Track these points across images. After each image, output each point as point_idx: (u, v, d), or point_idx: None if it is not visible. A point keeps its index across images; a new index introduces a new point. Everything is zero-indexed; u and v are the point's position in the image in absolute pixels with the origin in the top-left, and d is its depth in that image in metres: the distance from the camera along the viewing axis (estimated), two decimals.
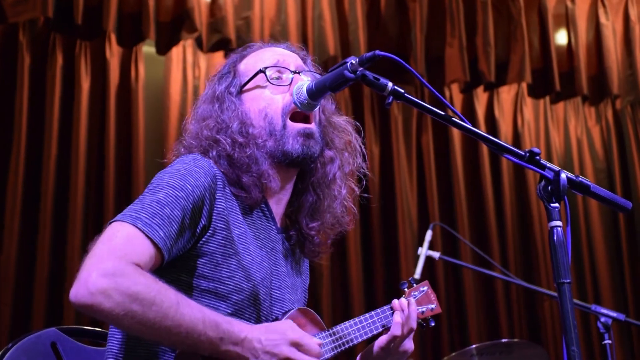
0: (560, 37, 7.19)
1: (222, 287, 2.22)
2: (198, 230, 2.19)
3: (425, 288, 2.84)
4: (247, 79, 2.48)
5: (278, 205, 2.48)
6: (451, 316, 6.19)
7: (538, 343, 5.94)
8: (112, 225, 2.08)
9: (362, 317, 2.58)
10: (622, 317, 3.88)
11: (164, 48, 5.66)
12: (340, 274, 5.83)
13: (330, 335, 2.45)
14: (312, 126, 2.45)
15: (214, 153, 2.34)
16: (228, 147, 2.33)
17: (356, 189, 2.67)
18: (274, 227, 2.44)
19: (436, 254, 4.57)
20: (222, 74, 2.55)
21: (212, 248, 2.21)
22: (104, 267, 1.95)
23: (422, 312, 2.79)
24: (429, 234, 4.68)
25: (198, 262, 2.21)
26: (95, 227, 5.05)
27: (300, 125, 2.41)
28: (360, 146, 2.68)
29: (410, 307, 2.59)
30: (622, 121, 7.29)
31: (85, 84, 5.33)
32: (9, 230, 4.92)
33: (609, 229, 6.99)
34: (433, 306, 2.84)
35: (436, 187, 6.40)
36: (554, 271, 1.92)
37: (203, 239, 2.20)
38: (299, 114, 2.42)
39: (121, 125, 5.39)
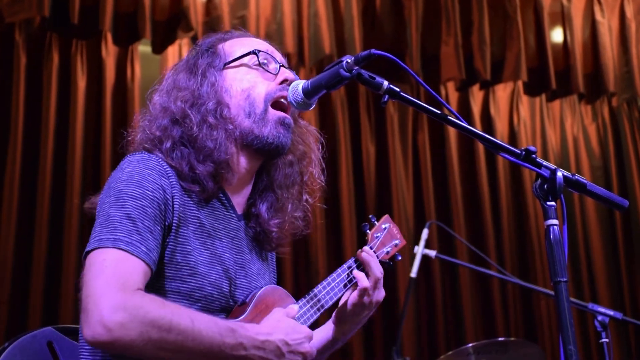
0: (556, 35, 7.19)
1: (184, 286, 2.20)
2: (165, 233, 2.18)
3: (388, 225, 2.79)
4: (233, 57, 2.47)
5: (237, 195, 2.45)
6: (447, 315, 6.19)
7: (535, 342, 5.95)
8: (93, 254, 2.06)
9: (330, 278, 2.56)
10: (619, 315, 3.87)
11: (159, 47, 5.66)
12: None
13: (308, 302, 2.47)
14: (290, 118, 2.46)
15: (168, 144, 2.31)
16: (195, 127, 2.31)
17: (310, 199, 2.64)
18: (233, 215, 2.42)
19: (432, 253, 4.56)
20: (202, 51, 2.53)
21: (171, 247, 2.20)
22: (113, 301, 1.94)
23: (387, 252, 2.74)
24: (425, 233, 4.68)
25: (162, 263, 2.19)
26: (91, 227, 5.04)
27: (282, 114, 2.42)
28: (319, 158, 2.67)
29: (372, 257, 2.56)
30: (618, 119, 7.30)
31: (81, 83, 5.33)
32: (5, 229, 4.91)
33: (606, 227, 7.00)
34: (397, 242, 2.79)
35: (432, 186, 6.40)
36: (550, 270, 1.92)
37: (167, 240, 2.19)
38: (279, 104, 2.42)
39: (117, 124, 5.38)
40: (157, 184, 2.18)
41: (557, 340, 1.77)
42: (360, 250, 2.60)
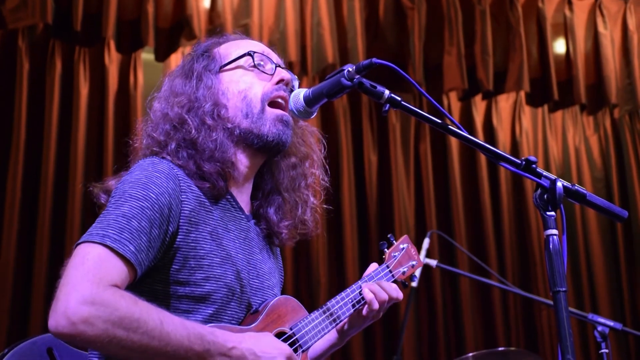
0: (559, 46, 7.20)
1: (199, 290, 2.20)
2: (168, 238, 2.16)
3: (406, 245, 2.81)
4: (228, 60, 2.49)
5: (242, 194, 2.46)
6: (448, 324, 6.18)
7: (535, 352, 5.94)
8: (80, 247, 2.03)
9: (343, 293, 2.57)
10: (619, 326, 3.87)
11: (162, 55, 5.67)
12: (338, 282, 5.82)
13: (324, 312, 2.47)
14: (289, 115, 2.46)
15: (173, 145, 2.32)
16: (193, 131, 2.32)
17: (314, 200, 2.65)
18: (242, 215, 2.43)
19: (433, 262, 4.55)
20: (197, 55, 2.54)
21: (183, 253, 2.19)
22: (82, 294, 1.91)
23: (404, 272, 2.75)
24: (426, 242, 4.67)
25: (171, 269, 2.18)
26: None
27: (280, 111, 2.44)
28: (321, 159, 2.69)
29: (381, 288, 2.57)
30: (620, 130, 7.30)
31: (84, 90, 5.34)
32: (7, 235, 4.92)
33: (607, 238, 7.00)
34: (414, 262, 2.80)
35: (434, 195, 6.40)
36: (549, 280, 1.92)
37: (174, 246, 2.18)
38: (276, 103, 2.45)
39: (120, 132, 5.39)
40: (164, 188, 2.17)
41: (558, 350, 1.76)
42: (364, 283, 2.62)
